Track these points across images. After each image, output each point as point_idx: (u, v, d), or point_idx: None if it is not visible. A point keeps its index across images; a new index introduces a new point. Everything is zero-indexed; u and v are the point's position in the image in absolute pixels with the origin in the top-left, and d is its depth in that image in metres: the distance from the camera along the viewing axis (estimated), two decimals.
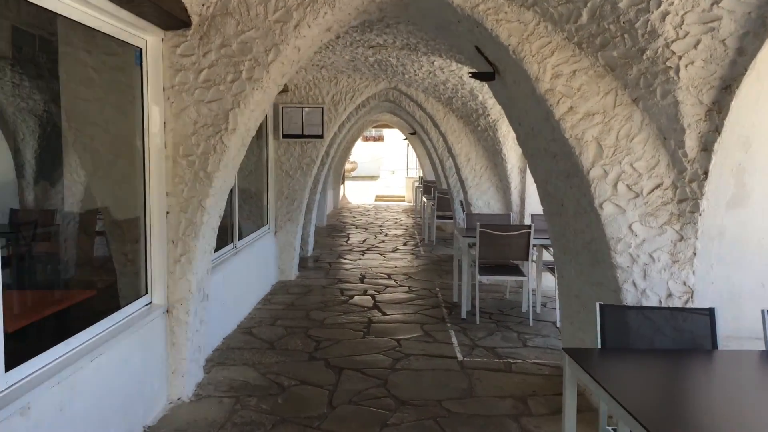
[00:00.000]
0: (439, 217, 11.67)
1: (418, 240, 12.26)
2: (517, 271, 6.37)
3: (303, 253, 9.94)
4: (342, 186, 21.61)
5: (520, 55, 3.60)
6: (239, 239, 6.51)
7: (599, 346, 2.78)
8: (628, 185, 3.52)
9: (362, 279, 8.29)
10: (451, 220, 11.55)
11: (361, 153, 29.20)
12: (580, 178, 3.66)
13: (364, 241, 12.08)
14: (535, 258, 6.41)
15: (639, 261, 3.53)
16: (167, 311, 4.03)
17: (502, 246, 6.13)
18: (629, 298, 3.56)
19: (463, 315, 6.31)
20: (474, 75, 4.37)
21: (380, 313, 6.50)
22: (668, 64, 3.20)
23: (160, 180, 3.96)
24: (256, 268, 7.05)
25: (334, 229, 13.75)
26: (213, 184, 3.97)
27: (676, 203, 3.49)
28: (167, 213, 4.01)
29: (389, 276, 8.52)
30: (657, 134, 3.48)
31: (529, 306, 6.23)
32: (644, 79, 3.34)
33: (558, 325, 6.03)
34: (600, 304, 2.82)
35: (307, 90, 7.93)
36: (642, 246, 3.52)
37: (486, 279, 6.19)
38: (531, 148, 4.48)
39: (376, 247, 11.32)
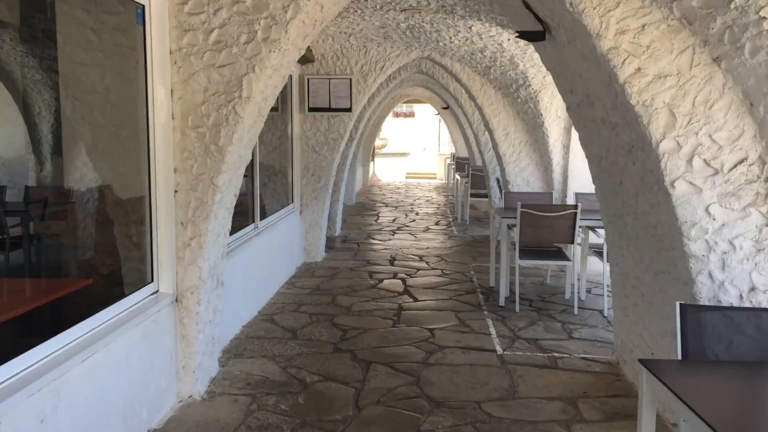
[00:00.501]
0: (473, 195, 11.15)
1: (451, 219, 11.77)
2: (560, 255, 5.86)
3: (330, 233, 9.55)
4: (372, 163, 21.15)
5: (578, 8, 3.06)
6: (261, 219, 6.10)
7: (680, 357, 2.29)
8: (705, 160, 2.98)
9: (392, 261, 7.86)
10: (486, 199, 11.03)
11: (392, 129, 28.64)
12: (646, 152, 3.14)
13: (395, 220, 11.63)
14: (580, 241, 5.88)
15: (717, 249, 3.01)
16: (176, 300, 3.64)
17: (544, 228, 5.62)
18: (704, 291, 3.05)
19: (501, 302, 5.83)
20: (521, 35, 3.84)
21: (411, 299, 6.06)
22: (762, 14, 2.64)
23: (167, 155, 3.55)
24: (280, 250, 6.66)
25: (363, 208, 13.32)
26: (225, 160, 3.55)
27: (764, 181, 2.95)
28: (175, 192, 3.60)
29: (421, 258, 8.07)
30: (742, 100, 2.93)
31: (574, 293, 5.72)
32: (730, 33, 2.79)
33: (606, 314, 5.52)
34: (681, 305, 2.32)
35: (335, 60, 7.44)
36: (721, 231, 3.00)
37: (526, 263, 5.69)
38: (584, 119, 3.95)
39: (407, 226, 10.87)
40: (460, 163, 15.56)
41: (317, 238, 7.75)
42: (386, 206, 13.76)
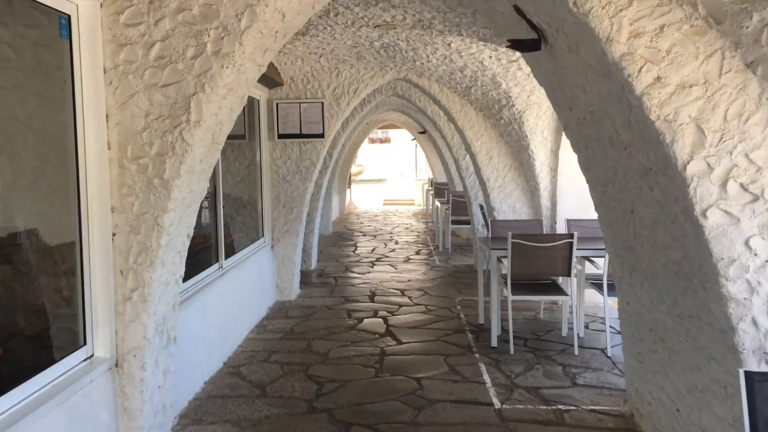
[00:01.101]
0: (454, 222, 10.66)
1: (432, 248, 11.26)
2: (555, 289, 5.36)
3: (305, 267, 8.98)
4: (348, 190, 20.65)
5: (583, 8, 2.60)
6: (227, 258, 5.52)
7: None
8: (742, 184, 2.51)
9: (372, 297, 7.30)
10: (468, 226, 10.55)
11: (368, 155, 28.25)
12: (669, 176, 2.66)
13: (373, 250, 11.09)
14: (575, 272, 5.40)
15: (761, 290, 2.52)
16: (116, 365, 3.06)
17: (538, 259, 5.13)
18: (747, 342, 2.55)
19: (494, 342, 5.30)
20: (513, 44, 3.37)
21: (394, 342, 5.50)
22: None
23: (102, 192, 2.99)
24: (249, 290, 6.07)
25: (340, 238, 12.76)
26: (172, 195, 3.00)
27: None
28: (113, 235, 3.04)
29: (402, 292, 7.52)
30: None
31: (574, 330, 5.20)
32: None
33: (609, 353, 5.02)
34: (746, 373, 1.80)
35: (305, 83, 6.95)
36: (765, 269, 2.51)
37: (519, 298, 5.18)
38: (586, 139, 3.48)
39: (386, 257, 10.33)
40: (439, 189, 15.12)
41: (290, 274, 7.18)
42: (364, 235, 13.22)
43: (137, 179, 3.00)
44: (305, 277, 8.30)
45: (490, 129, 7.06)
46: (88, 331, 2.98)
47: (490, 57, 5.76)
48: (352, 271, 8.95)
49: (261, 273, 6.64)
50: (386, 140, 30.91)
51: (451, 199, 10.51)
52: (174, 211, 3.05)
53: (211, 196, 5.36)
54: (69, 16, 2.83)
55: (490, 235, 6.19)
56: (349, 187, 20.88)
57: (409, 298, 7.22)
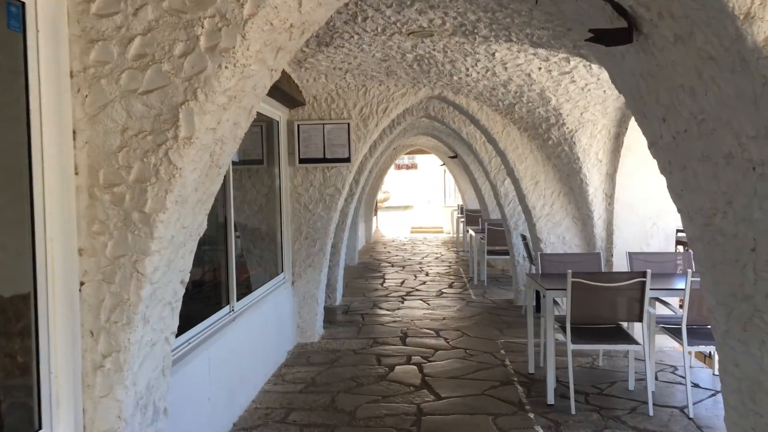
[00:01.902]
0: (490, 252, 9.88)
1: (466, 280, 10.47)
2: (622, 335, 4.56)
3: (330, 303, 8.26)
4: (375, 218, 19.99)
5: None
6: (240, 299, 4.83)
7: None
8: None
9: (404, 338, 6.54)
10: (506, 257, 9.76)
11: (394, 181, 27.64)
12: None
13: (403, 282, 10.34)
14: (647, 316, 4.60)
15: None
16: None
17: (603, 301, 4.35)
18: None
19: (550, 398, 4.50)
20: (596, 36, 2.65)
21: (432, 397, 4.74)
22: None
23: (66, 229, 2.32)
24: (266, 334, 5.37)
25: (366, 269, 12.04)
26: (156, 233, 2.31)
27: None
28: (81, 285, 2.36)
29: (437, 333, 6.75)
30: None
31: (648, 386, 4.38)
32: None
33: (692, 414, 4.19)
34: None
35: (329, 102, 6.31)
36: None
37: (580, 347, 4.39)
38: (686, 157, 2.72)
39: (416, 290, 9.57)
40: (471, 217, 14.39)
41: (313, 313, 6.46)
42: (392, 266, 12.48)
43: (111, 213, 2.32)
44: (329, 315, 7.58)
45: (536, 151, 6.33)
46: (45, 409, 2.28)
47: (539, 68, 5.06)
48: (381, 307, 8.20)
49: (280, 313, 5.94)
50: (413, 166, 30.30)
51: (487, 228, 9.74)
52: (159, 253, 2.36)
53: (221, 228, 4.69)
54: (23, 3, 2.19)
55: (539, 271, 5.42)
56: (376, 214, 20.22)
57: (446, 339, 6.45)
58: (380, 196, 21.91)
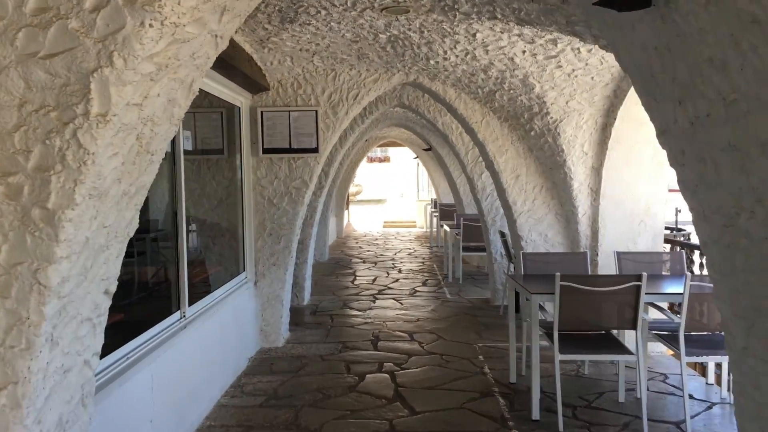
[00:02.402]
0: (465, 249, 9.49)
1: (440, 277, 10.08)
2: (614, 344, 4.17)
3: (297, 303, 7.79)
4: (346, 211, 19.51)
5: None
6: (192, 303, 4.34)
7: None
8: None
9: (376, 342, 6.11)
10: (482, 253, 9.40)
11: (367, 175, 27.15)
12: None
13: (375, 280, 9.90)
14: (640, 323, 4.23)
15: None
16: None
17: (594, 307, 3.97)
18: None
19: (535, 413, 4.11)
20: (604, 0, 2.22)
21: (406, 410, 4.31)
22: None
23: None
24: (224, 340, 4.89)
25: (337, 265, 11.58)
26: (62, 235, 1.84)
27: None
28: None
29: (411, 336, 6.33)
30: None
31: (642, 398, 4.01)
32: None
33: (689, 430, 3.83)
34: None
35: (295, 88, 5.83)
36: None
37: (569, 357, 4.00)
38: (705, 147, 2.32)
39: (389, 288, 9.14)
40: (445, 211, 14.02)
41: (278, 315, 5.99)
42: (364, 262, 12.04)
43: (5, 209, 1.84)
44: (296, 316, 7.11)
45: (517, 143, 5.93)
46: None
47: (524, 52, 4.65)
48: (351, 307, 7.76)
49: (241, 316, 5.46)
50: (386, 159, 29.82)
51: (462, 223, 9.35)
52: (68, 260, 1.89)
53: (171, 223, 4.20)
54: None
55: (521, 272, 5.02)
56: (347, 208, 19.74)
57: (420, 344, 6.03)
58: (352, 189, 21.44)
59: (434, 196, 18.93)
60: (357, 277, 10.13)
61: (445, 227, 10.53)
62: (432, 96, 6.22)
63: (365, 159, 21.86)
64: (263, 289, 5.97)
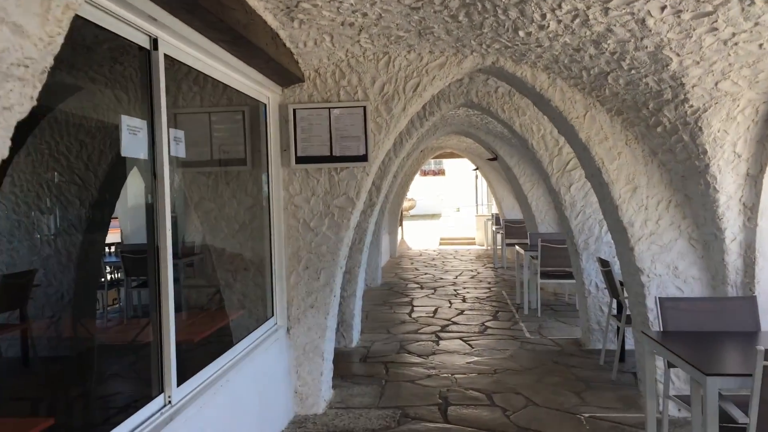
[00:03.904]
0: (543, 274, 7.93)
1: (513, 309, 8.53)
2: None
3: (344, 344, 6.43)
4: (400, 228, 18.12)
5: None
6: (184, 380, 2.98)
7: None
8: None
9: (444, 408, 4.66)
10: (566, 281, 7.86)
11: (419, 188, 25.73)
12: None
13: (436, 312, 8.44)
14: None
15: None
16: None
17: None
18: None
19: None
20: None
21: None
22: None
23: None
24: (240, 418, 3.53)
25: (391, 292, 10.17)
26: None
27: None
28: None
29: (490, 398, 4.86)
30: None
31: None
32: None
33: None
34: None
35: (337, 78, 4.49)
36: None
37: None
38: None
39: (453, 323, 7.67)
40: (511, 228, 12.48)
41: (317, 372, 4.62)
42: (421, 288, 10.59)
43: None
44: (342, 364, 5.74)
45: (634, 143, 4.41)
46: None
47: (662, 9, 3.17)
48: (410, 351, 6.32)
49: (268, 377, 4.10)
50: (440, 172, 28.39)
51: (541, 244, 7.80)
52: None
53: (151, 263, 2.86)
54: None
55: (659, 325, 3.50)
56: (401, 224, 18.35)
57: (504, 412, 4.55)
58: (405, 204, 20.06)
59: (495, 211, 17.35)
60: (414, 308, 8.69)
61: (518, 248, 8.99)
62: (515, 85, 4.76)
63: (418, 172, 20.50)
64: (298, 339, 4.60)
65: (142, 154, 2.68)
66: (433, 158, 19.28)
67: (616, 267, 5.32)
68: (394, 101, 4.49)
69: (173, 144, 2.94)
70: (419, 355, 6.16)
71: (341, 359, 5.92)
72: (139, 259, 6.06)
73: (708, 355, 2.85)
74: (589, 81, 4.25)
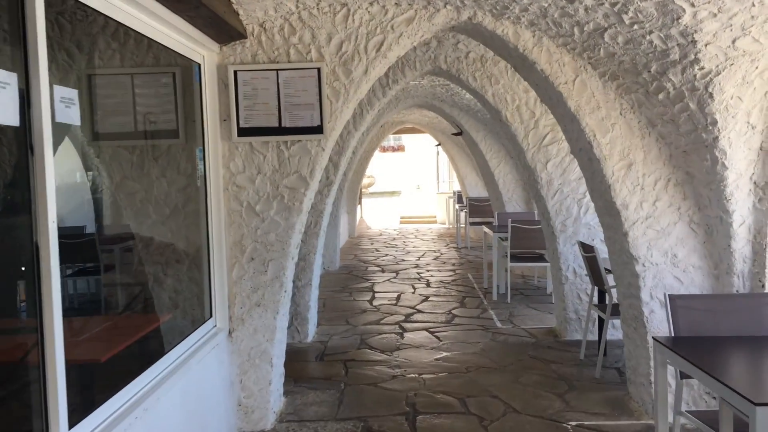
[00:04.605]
0: (514, 257, 7.41)
1: (481, 294, 8.01)
2: None
3: (298, 340, 5.79)
4: (359, 206, 17.46)
5: None
6: (72, 425, 2.28)
7: None
8: None
9: (412, 417, 4.07)
10: (538, 264, 7.39)
11: (379, 165, 25.05)
12: None
13: (398, 298, 7.86)
14: None
15: None
16: None
17: None
18: None
19: None
20: None
21: None
22: None
23: None
24: None
25: (350, 276, 9.54)
26: None
27: None
28: None
29: (464, 403, 4.29)
30: None
31: None
32: None
33: None
34: None
35: (286, 34, 3.78)
36: None
37: None
38: None
39: (418, 312, 7.10)
40: (476, 207, 11.97)
41: (264, 381, 3.96)
42: (383, 271, 9.99)
43: None
44: (296, 365, 5.11)
45: (630, 113, 3.83)
46: None
47: None
48: (372, 347, 5.72)
49: (204, 391, 3.44)
50: (400, 148, 27.72)
51: (511, 225, 7.26)
52: None
53: (29, 261, 2.14)
54: None
55: (672, 330, 2.95)
56: (360, 202, 17.69)
57: (481, 422, 3.98)
58: (364, 181, 19.39)
59: (457, 189, 16.85)
60: (376, 295, 8.08)
61: (486, 229, 8.45)
62: (494, 46, 4.13)
63: (378, 148, 19.81)
64: (242, 343, 3.94)
65: (10, 118, 1.95)
66: (393, 134, 18.61)
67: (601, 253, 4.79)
68: (354, 62, 3.80)
69: (61, 107, 2.21)
70: (382, 351, 5.56)
71: (295, 358, 5.29)
72: (75, 245, 5.30)
73: (750, 375, 2.32)
74: (582, 40, 3.65)
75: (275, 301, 3.94)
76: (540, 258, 7.45)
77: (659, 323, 3.82)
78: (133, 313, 3.93)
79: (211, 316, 3.85)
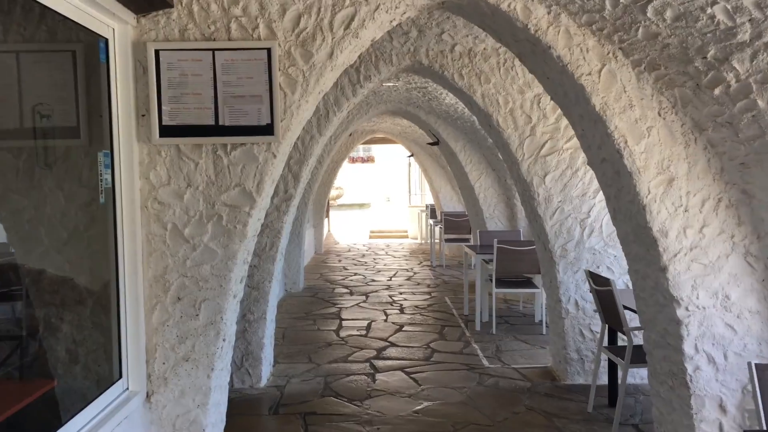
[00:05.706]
0: (500, 282, 6.54)
1: (462, 324, 7.11)
2: None
3: (249, 385, 4.83)
4: (326, 220, 16.51)
5: None
6: None
7: None
8: None
9: None
10: (526, 290, 6.56)
11: (348, 176, 24.16)
12: None
13: (369, 327, 6.93)
14: None
15: None
16: None
17: None
18: None
19: None
20: None
21: None
22: None
23: None
24: None
25: (315, 299, 8.57)
26: None
27: None
28: None
29: None
30: None
31: None
32: None
33: None
34: None
35: (226, 3, 2.86)
36: None
37: None
38: None
39: (392, 344, 6.18)
40: (452, 222, 11.14)
41: None
42: (351, 294, 9.04)
43: None
44: (243, 420, 4.15)
45: (671, 113, 3.00)
46: None
47: None
48: (339, 394, 4.77)
49: None
50: (369, 159, 26.84)
51: (497, 246, 6.40)
52: None
53: None
54: None
55: (764, 426, 2.09)
56: (327, 215, 16.74)
57: None
58: (332, 192, 18.45)
59: (430, 202, 16.04)
60: (343, 323, 7.13)
61: (466, 249, 7.59)
62: (497, 28, 3.25)
63: (346, 160, 18.92)
64: (164, 410, 2.97)
65: None
66: (363, 144, 17.71)
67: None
68: (316, 42, 2.90)
69: None
70: (350, 400, 4.62)
71: (243, 410, 4.33)
72: None
73: None
74: (614, 17, 2.79)
75: (209, 353, 2.99)
76: (527, 283, 6.61)
77: (707, 384, 2.98)
78: (13, 371, 2.94)
79: (121, 376, 2.88)
